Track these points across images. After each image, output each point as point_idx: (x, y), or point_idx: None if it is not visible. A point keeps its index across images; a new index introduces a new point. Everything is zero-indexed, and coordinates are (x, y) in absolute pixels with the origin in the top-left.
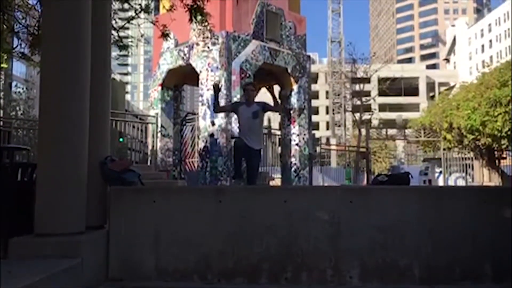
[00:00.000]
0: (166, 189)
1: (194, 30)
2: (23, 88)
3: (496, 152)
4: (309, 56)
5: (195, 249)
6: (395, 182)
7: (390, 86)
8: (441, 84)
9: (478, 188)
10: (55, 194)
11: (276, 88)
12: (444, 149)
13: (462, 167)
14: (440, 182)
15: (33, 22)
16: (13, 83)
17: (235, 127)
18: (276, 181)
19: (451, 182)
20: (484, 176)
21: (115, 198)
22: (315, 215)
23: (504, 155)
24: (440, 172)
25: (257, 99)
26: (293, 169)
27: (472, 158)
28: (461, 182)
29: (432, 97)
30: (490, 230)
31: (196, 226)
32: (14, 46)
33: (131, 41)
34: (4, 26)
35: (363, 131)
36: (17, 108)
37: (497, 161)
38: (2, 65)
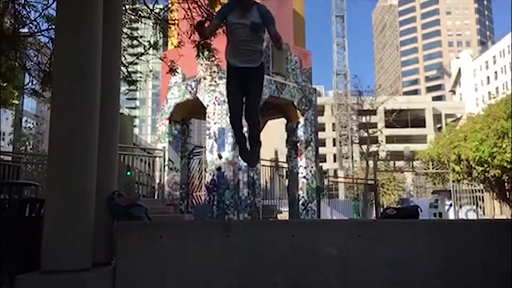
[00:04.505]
0: (172, 224)
1: (201, 65)
2: (33, 123)
3: (506, 184)
4: (315, 89)
5: (202, 285)
6: (404, 215)
7: (396, 118)
8: (447, 116)
9: (489, 221)
10: (62, 230)
11: (283, 121)
12: (453, 181)
13: (472, 200)
14: (451, 215)
15: (45, 60)
16: (24, 119)
17: (242, 160)
18: (284, 215)
19: (462, 215)
20: (495, 209)
21: (122, 233)
22: (323, 250)
23: None
24: (450, 205)
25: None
26: (300, 202)
27: (482, 190)
28: (472, 215)
29: (439, 128)
30: (501, 264)
31: (203, 261)
32: (26, 83)
33: (140, 77)
34: (17, 64)
35: (371, 163)
36: (27, 143)
37: (507, 193)
38: (13, 102)
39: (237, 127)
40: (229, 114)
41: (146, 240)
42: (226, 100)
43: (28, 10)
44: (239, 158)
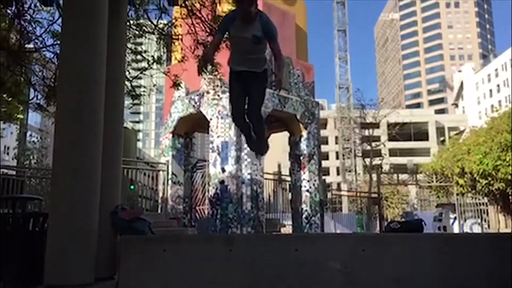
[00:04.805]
0: (176, 238)
1: (204, 79)
2: (37, 138)
3: (511, 197)
4: (317, 103)
5: None
6: (408, 229)
7: (399, 131)
8: (451, 129)
9: (493, 235)
10: (65, 245)
11: (286, 135)
12: (457, 194)
13: (477, 213)
14: (455, 229)
15: (50, 75)
16: (28, 133)
17: (245, 173)
18: (287, 228)
19: (466, 229)
20: (500, 222)
21: (125, 248)
22: (327, 264)
23: None
24: (455, 218)
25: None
26: (304, 215)
27: (486, 203)
28: (476, 229)
29: (443, 141)
30: (506, 278)
31: (206, 275)
32: (31, 97)
33: (144, 91)
34: (22, 79)
35: (374, 176)
36: (31, 157)
37: None
38: (18, 116)
39: (239, 121)
40: (231, 112)
41: (149, 254)
42: (229, 102)
43: (34, 26)
44: (248, 149)
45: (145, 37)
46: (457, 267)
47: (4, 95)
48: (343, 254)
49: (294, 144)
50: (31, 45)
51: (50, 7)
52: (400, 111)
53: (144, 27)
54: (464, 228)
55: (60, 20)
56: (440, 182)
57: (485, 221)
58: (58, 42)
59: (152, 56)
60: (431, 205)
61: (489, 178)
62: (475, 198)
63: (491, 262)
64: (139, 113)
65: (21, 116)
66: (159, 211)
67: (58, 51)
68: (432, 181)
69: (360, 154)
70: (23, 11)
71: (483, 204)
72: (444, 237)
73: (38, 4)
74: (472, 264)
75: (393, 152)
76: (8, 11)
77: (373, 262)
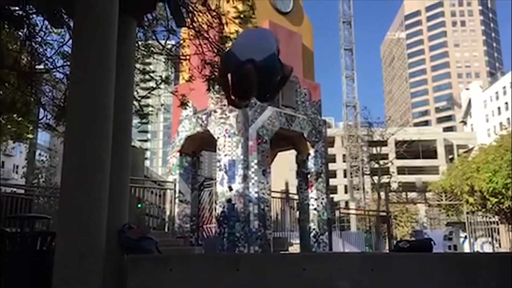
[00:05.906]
0: (182, 257)
1: (212, 98)
2: (46, 157)
3: None
4: (324, 121)
5: None
6: (417, 249)
7: (407, 149)
8: (459, 147)
9: (505, 254)
10: (73, 264)
11: (294, 154)
12: (467, 213)
13: (487, 232)
14: (466, 248)
15: (59, 95)
16: (37, 152)
17: (252, 192)
18: (295, 247)
19: (477, 248)
20: (511, 241)
21: (132, 267)
22: (336, 284)
23: None
24: (465, 237)
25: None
26: (312, 234)
27: (497, 222)
28: (487, 248)
29: (451, 159)
30: None
31: None
32: (40, 117)
33: (152, 110)
34: (32, 99)
35: (382, 194)
36: (40, 176)
37: None
38: (28, 136)
39: None
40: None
41: (156, 273)
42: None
43: (45, 47)
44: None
45: (153, 58)
46: (466, 284)
47: (14, 115)
48: (352, 274)
49: (301, 162)
50: (41, 66)
51: (61, 29)
52: (408, 129)
53: (152, 48)
54: (474, 247)
55: (70, 42)
56: (450, 200)
57: (496, 240)
58: (68, 63)
59: (160, 76)
60: (441, 224)
61: (499, 196)
62: (486, 217)
63: (502, 282)
64: (147, 132)
65: (31, 136)
66: (166, 229)
67: (68, 72)
68: (442, 200)
69: (368, 172)
70: (34, 33)
71: (493, 222)
72: (454, 257)
73: (49, 26)
74: (483, 284)
75: (401, 170)
76: (20, 33)
77: (382, 282)
